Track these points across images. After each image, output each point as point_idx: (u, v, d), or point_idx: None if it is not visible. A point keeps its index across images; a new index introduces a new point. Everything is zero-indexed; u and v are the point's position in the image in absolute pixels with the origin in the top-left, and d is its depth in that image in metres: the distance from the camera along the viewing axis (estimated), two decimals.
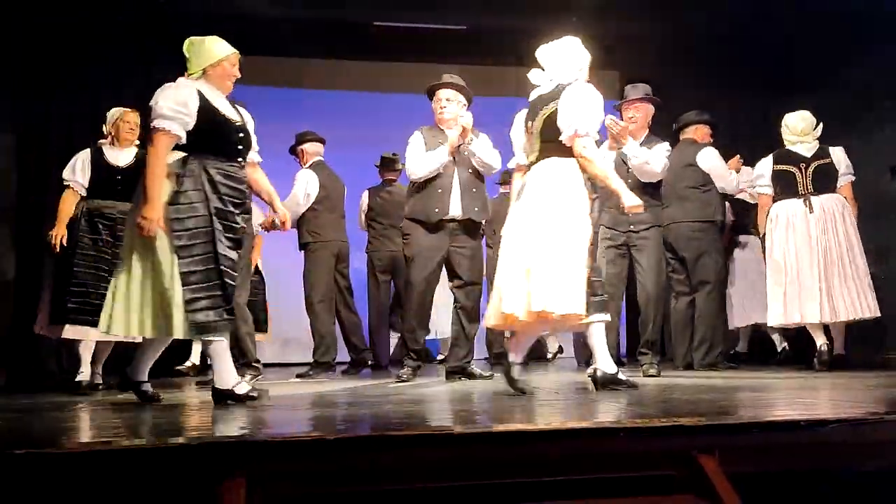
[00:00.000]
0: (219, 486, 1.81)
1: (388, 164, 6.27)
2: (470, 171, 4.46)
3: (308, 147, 5.64)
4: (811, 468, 2.20)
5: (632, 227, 4.63)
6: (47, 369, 5.78)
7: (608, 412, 2.61)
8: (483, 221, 4.57)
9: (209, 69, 3.29)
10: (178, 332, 3.03)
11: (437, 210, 4.37)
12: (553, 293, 3.10)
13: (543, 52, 3.54)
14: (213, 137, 3.20)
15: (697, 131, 5.40)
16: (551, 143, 3.37)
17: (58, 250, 4.27)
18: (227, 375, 3.16)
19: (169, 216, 3.05)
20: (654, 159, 4.56)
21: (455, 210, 4.39)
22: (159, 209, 3.03)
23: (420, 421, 2.44)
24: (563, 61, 3.48)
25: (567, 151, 3.34)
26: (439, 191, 4.38)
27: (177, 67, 3.71)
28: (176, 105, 3.11)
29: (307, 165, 5.57)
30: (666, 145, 4.71)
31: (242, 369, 4.31)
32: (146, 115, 3.26)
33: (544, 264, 3.15)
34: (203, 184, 3.12)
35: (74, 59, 6.51)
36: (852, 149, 4.98)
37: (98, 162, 4.41)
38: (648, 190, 4.59)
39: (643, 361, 4.63)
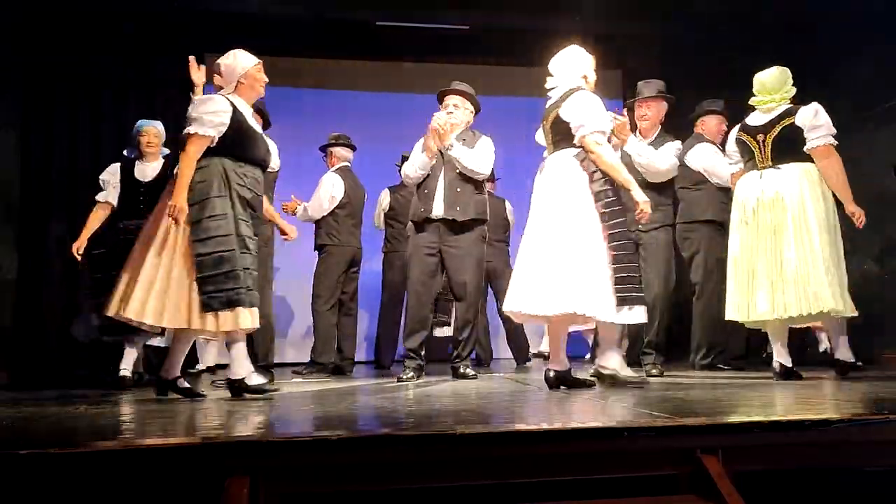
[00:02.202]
0: (222, 485, 1.82)
1: None
2: (457, 172, 4.52)
3: (337, 151, 5.71)
4: (814, 468, 2.20)
5: (640, 226, 4.61)
6: (50, 368, 5.79)
7: (611, 412, 2.61)
8: (480, 221, 4.59)
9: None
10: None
11: (423, 210, 4.54)
12: None
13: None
14: None
15: (704, 124, 5.17)
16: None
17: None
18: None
19: None
20: (660, 158, 4.55)
21: (437, 210, 4.49)
22: None
23: (422, 421, 2.44)
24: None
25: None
26: (426, 191, 4.55)
27: (179, 63, 3.71)
28: None
29: (333, 169, 5.64)
30: (677, 144, 4.69)
31: (260, 371, 4.34)
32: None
33: None
34: None
35: (76, 57, 6.51)
36: (853, 149, 4.96)
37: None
38: (658, 189, 4.57)
39: (646, 361, 4.62)
